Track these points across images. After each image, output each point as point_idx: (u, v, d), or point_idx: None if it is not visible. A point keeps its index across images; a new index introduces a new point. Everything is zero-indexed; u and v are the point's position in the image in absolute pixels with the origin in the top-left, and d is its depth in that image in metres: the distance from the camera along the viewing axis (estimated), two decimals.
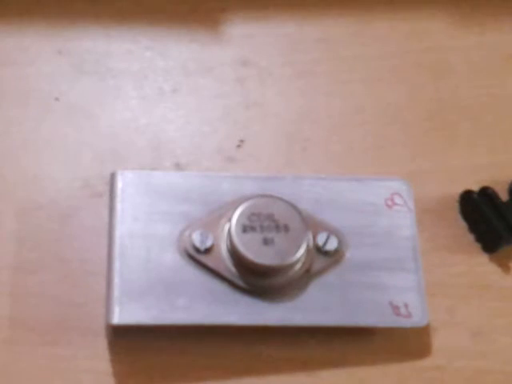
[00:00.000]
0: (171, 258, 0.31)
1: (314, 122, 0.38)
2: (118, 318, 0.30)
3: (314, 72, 0.39)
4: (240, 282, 0.31)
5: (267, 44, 0.40)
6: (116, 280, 0.30)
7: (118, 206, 0.32)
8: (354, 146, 0.37)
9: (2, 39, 0.38)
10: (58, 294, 0.33)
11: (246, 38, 0.40)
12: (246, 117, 0.38)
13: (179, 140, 0.37)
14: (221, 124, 0.38)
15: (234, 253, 0.31)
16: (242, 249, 0.30)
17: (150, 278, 0.31)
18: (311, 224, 0.32)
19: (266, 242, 0.31)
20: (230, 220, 0.31)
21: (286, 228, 0.31)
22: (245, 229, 0.31)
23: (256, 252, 0.30)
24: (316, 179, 0.34)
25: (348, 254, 0.32)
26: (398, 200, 0.34)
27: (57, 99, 0.37)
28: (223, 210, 0.32)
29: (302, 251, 0.31)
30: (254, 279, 0.31)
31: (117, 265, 0.31)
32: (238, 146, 0.37)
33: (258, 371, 0.32)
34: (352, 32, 0.40)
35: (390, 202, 0.34)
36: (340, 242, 0.32)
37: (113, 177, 0.33)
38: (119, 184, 0.32)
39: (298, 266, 0.31)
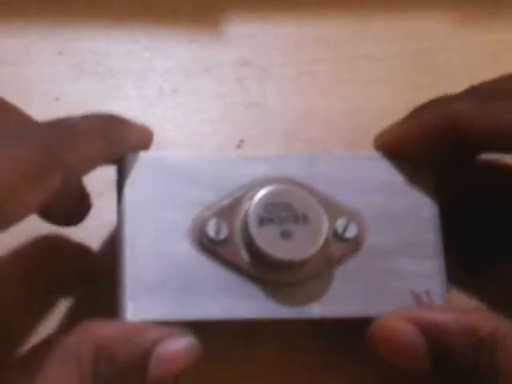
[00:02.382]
0: (184, 249, 0.30)
1: (313, 121, 0.38)
2: (131, 314, 0.29)
3: (314, 72, 0.39)
4: (258, 275, 0.30)
5: (267, 44, 0.40)
6: (127, 274, 0.29)
7: (127, 190, 0.30)
8: (354, 146, 0.37)
9: (3, 39, 0.38)
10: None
11: (246, 38, 0.40)
12: (246, 117, 0.38)
13: (179, 140, 0.37)
14: (221, 124, 0.38)
15: (250, 246, 0.30)
16: (260, 243, 0.29)
17: (163, 271, 0.29)
18: (329, 209, 0.30)
19: (284, 235, 0.29)
20: (245, 210, 0.30)
21: (305, 218, 0.30)
22: (261, 221, 0.29)
23: (274, 246, 0.29)
24: (333, 158, 0.32)
25: (367, 240, 0.31)
26: (418, 176, 0.32)
27: (57, 99, 0.37)
28: (237, 195, 0.30)
29: (321, 243, 0.29)
30: (272, 272, 0.30)
31: (127, 257, 0.29)
32: (238, 146, 0.37)
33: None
34: (352, 32, 0.40)
35: (410, 179, 0.32)
36: (359, 228, 0.31)
37: (121, 160, 0.31)
38: (128, 167, 0.30)
39: (318, 256, 0.30)
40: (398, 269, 0.30)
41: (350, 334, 0.33)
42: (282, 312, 0.30)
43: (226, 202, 0.30)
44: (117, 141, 0.29)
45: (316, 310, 0.30)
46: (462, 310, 0.28)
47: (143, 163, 0.30)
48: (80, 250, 0.34)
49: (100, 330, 0.27)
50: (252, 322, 0.30)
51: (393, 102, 0.39)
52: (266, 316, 0.30)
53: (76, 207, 0.32)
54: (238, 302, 0.29)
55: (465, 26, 0.41)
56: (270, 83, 0.39)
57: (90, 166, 0.28)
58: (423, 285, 0.30)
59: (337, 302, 0.30)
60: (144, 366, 0.27)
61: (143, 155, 0.30)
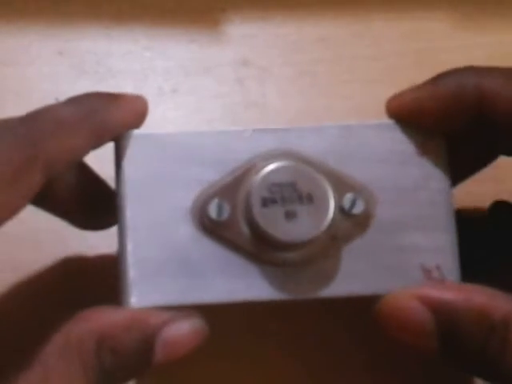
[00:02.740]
0: (186, 231, 0.29)
1: (313, 122, 0.38)
2: (134, 301, 0.28)
3: (314, 72, 0.39)
4: (262, 256, 0.29)
5: (267, 44, 0.40)
6: (129, 259, 0.28)
7: (125, 172, 0.29)
8: None
9: (3, 39, 0.38)
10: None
11: (246, 38, 0.40)
12: (245, 117, 0.38)
13: None
14: (221, 124, 0.38)
15: (253, 228, 0.28)
16: (263, 225, 0.28)
17: (165, 255, 0.28)
18: (336, 183, 0.29)
19: (287, 216, 0.28)
20: (247, 190, 0.28)
21: (310, 198, 0.28)
22: (265, 202, 0.28)
23: (278, 228, 0.28)
24: (340, 128, 0.30)
25: (376, 214, 0.29)
26: (430, 145, 0.30)
27: (57, 99, 0.37)
28: (239, 173, 0.29)
29: (326, 225, 0.28)
30: (277, 252, 0.29)
31: (128, 241, 0.28)
32: None
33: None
34: (352, 32, 0.40)
35: (421, 148, 0.30)
36: (367, 203, 0.29)
37: (118, 139, 0.29)
38: (125, 147, 0.29)
39: (323, 234, 0.28)
40: (408, 244, 0.29)
41: (353, 332, 0.33)
42: (288, 293, 0.29)
43: (227, 180, 0.29)
44: (104, 122, 0.28)
45: (323, 289, 0.29)
46: (474, 290, 0.27)
47: (141, 142, 0.29)
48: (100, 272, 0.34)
49: (101, 319, 0.26)
50: (257, 304, 0.29)
51: None
52: (271, 298, 0.29)
53: (101, 209, 0.31)
54: (243, 284, 0.28)
55: (465, 26, 0.41)
56: (270, 83, 0.39)
57: (76, 156, 0.27)
58: (434, 259, 0.29)
59: (344, 280, 0.29)
60: (148, 351, 0.27)
61: (141, 134, 0.29)
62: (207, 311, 0.29)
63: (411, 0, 0.41)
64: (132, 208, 0.28)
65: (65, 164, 0.27)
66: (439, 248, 0.29)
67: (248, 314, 0.33)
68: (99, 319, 0.26)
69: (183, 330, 0.27)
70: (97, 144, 0.28)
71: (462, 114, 0.29)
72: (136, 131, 0.29)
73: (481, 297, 0.27)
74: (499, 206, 0.34)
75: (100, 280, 0.33)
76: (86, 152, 0.28)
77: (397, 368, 0.34)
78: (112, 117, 0.28)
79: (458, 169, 0.31)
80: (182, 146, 0.29)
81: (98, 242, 0.34)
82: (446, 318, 0.27)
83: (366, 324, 0.31)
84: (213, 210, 0.28)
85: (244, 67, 0.39)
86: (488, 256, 0.32)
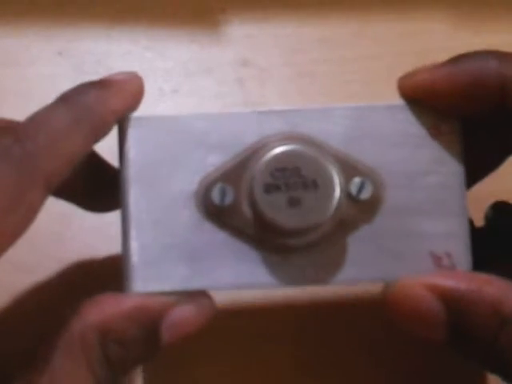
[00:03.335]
0: (190, 216, 0.28)
1: None
2: (137, 287, 0.27)
3: (314, 72, 0.39)
4: (266, 242, 0.28)
5: (267, 44, 0.40)
6: (132, 245, 0.28)
7: (129, 157, 0.28)
8: None
9: (3, 39, 0.38)
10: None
11: (246, 38, 0.40)
12: None
13: None
14: None
15: (257, 214, 0.28)
16: (266, 212, 0.27)
17: (169, 240, 0.28)
18: (343, 167, 0.28)
19: (291, 202, 0.27)
20: (251, 175, 0.28)
21: (315, 184, 0.27)
22: (268, 189, 0.27)
23: (281, 215, 0.27)
24: (349, 109, 0.29)
25: (384, 199, 0.28)
26: (443, 127, 0.29)
27: None
28: (243, 157, 0.28)
29: (331, 212, 0.27)
30: (282, 238, 0.28)
31: (132, 227, 0.28)
32: None
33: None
34: (352, 32, 0.40)
35: (433, 130, 0.29)
36: (375, 187, 0.28)
37: (121, 123, 0.28)
38: (127, 131, 0.28)
39: (330, 220, 0.28)
40: (418, 230, 0.28)
41: (353, 332, 0.33)
42: (293, 280, 0.28)
43: (231, 164, 0.28)
44: (101, 117, 0.27)
45: (328, 277, 0.28)
46: (486, 280, 0.26)
47: (144, 125, 0.28)
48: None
49: (103, 311, 0.26)
50: (263, 290, 0.29)
51: None
52: (275, 285, 0.28)
53: (106, 191, 0.30)
54: (246, 270, 0.28)
55: (465, 26, 0.41)
56: (270, 83, 0.39)
57: (78, 159, 0.26)
58: (445, 246, 0.28)
59: (350, 267, 0.28)
60: (155, 336, 0.26)
61: (144, 116, 0.28)
62: None
63: (411, 0, 0.41)
64: (135, 192, 0.28)
65: (66, 171, 0.26)
66: (450, 234, 0.28)
67: (248, 315, 0.33)
68: (101, 312, 0.26)
69: (188, 310, 0.27)
70: (98, 139, 0.27)
71: (480, 100, 0.27)
72: (139, 114, 0.29)
73: (492, 288, 0.26)
74: (499, 206, 0.34)
75: (105, 281, 0.33)
76: (88, 149, 0.27)
77: (397, 368, 0.34)
78: (108, 108, 0.27)
79: (475, 168, 0.30)
80: (186, 128, 0.28)
81: (96, 243, 0.34)
82: (456, 309, 0.26)
83: (366, 325, 0.31)
84: (216, 195, 0.28)
85: (244, 67, 0.39)
86: (487, 257, 0.32)
